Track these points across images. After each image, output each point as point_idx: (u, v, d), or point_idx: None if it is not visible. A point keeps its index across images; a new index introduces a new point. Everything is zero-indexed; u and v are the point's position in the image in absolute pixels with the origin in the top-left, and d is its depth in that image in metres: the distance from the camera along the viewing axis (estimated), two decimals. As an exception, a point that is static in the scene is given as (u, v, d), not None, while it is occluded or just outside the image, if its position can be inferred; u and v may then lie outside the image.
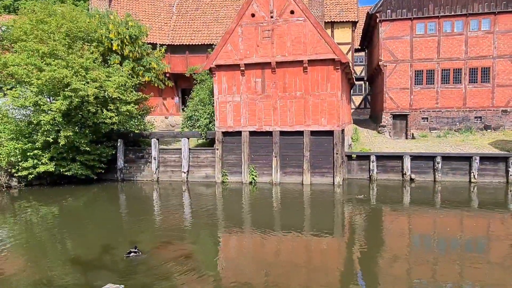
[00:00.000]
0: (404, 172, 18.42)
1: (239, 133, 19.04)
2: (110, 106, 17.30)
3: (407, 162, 18.31)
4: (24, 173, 17.88)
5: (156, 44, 24.60)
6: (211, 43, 25.98)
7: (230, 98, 18.90)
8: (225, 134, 19.24)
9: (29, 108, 17.42)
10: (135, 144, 21.14)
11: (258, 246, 10.54)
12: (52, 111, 15.90)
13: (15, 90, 16.37)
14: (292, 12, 17.48)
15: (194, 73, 22.30)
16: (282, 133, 18.53)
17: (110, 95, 16.77)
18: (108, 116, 17.02)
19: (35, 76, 15.69)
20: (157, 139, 20.10)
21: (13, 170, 18.19)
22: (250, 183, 18.92)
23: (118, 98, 17.32)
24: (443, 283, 7.75)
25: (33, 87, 16.07)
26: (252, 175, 18.89)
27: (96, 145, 19.04)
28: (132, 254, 8.99)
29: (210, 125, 19.48)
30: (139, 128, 19.69)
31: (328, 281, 7.97)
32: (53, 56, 16.39)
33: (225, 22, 28.35)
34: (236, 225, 12.52)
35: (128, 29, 19.04)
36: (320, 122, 18.00)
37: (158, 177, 20.22)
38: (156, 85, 21.09)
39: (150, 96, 20.29)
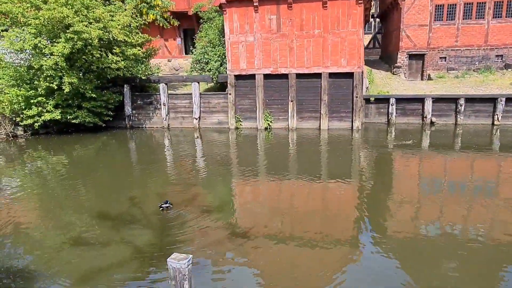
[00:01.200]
0: (424, 115, 17.83)
1: (252, 76, 18.04)
2: (115, 50, 16.04)
3: (428, 105, 17.65)
4: (29, 121, 17.11)
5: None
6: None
7: (243, 38, 17.59)
8: (238, 77, 18.23)
9: (27, 51, 16.14)
10: (142, 90, 20.13)
11: (274, 193, 10.35)
12: (54, 55, 14.67)
13: (11, 32, 14.96)
14: None
15: (200, 11, 20.59)
16: (299, 75, 17.56)
17: (115, 37, 15.42)
18: (114, 61, 15.84)
19: (32, 16, 14.24)
20: (166, 84, 19.08)
21: (18, 119, 17.40)
22: (265, 129, 18.34)
23: (123, 41, 16.00)
24: (450, 224, 7.70)
25: (31, 28, 14.67)
26: (267, 120, 18.25)
27: (102, 91, 18.07)
28: (163, 208, 8.59)
29: (221, 68, 18.37)
30: (146, 73, 18.52)
31: (340, 226, 7.91)
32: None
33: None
34: (251, 172, 12.14)
35: (127, -41, 17.11)
36: (339, 63, 16.96)
37: (168, 124, 19.54)
38: (161, 24, 19.53)
39: (156, 38, 18.84)
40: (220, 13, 19.07)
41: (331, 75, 17.20)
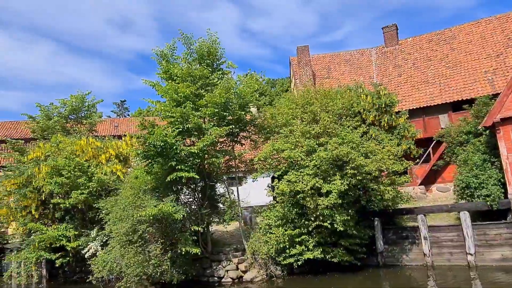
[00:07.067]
0: None
1: (549, 198, 14.80)
2: (384, 181, 15.56)
3: None
4: (291, 260, 16.87)
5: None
6: (426, 105, 24.15)
7: (526, 155, 15.23)
8: (525, 201, 15.22)
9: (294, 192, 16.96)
10: (391, 222, 18.67)
11: None
12: (333, 192, 14.83)
13: (290, 175, 16.10)
14: None
15: (449, 135, 19.71)
16: None
17: (388, 168, 15.09)
18: (386, 191, 15.17)
19: (311, 158, 15.20)
20: (424, 215, 17.22)
21: (279, 259, 17.45)
22: None
23: (392, 171, 15.55)
24: None
25: (308, 170, 15.54)
26: None
27: (356, 226, 17.25)
28: None
29: (498, 192, 15.81)
30: (402, 202, 17.31)
31: None
32: (325, 135, 15.97)
33: (435, 82, 26.24)
34: None
35: (379, 98, 18.09)
36: None
37: (432, 261, 16.87)
38: (413, 153, 19.01)
39: (416, 163, 18.09)
40: (473, 135, 17.58)
41: None
